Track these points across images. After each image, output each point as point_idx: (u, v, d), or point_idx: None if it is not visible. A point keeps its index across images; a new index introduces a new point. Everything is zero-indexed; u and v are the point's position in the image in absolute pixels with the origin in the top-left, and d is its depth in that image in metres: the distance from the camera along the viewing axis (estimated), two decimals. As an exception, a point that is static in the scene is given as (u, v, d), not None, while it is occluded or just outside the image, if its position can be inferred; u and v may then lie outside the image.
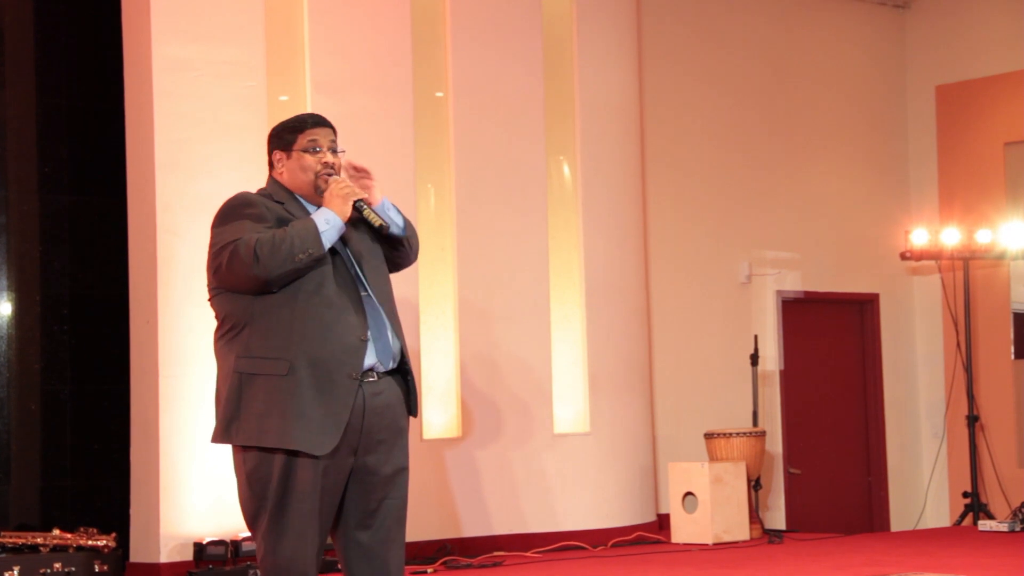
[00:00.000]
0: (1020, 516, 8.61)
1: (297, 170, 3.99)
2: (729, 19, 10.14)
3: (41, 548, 6.76)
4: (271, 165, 4.08)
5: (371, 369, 3.83)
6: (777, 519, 9.81)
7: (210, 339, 6.95)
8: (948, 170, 10.66)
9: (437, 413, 7.87)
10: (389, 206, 3.98)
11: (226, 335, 3.92)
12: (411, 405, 3.98)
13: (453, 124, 8.04)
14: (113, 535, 6.89)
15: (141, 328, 7.16)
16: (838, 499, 10.41)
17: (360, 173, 3.95)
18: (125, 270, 7.33)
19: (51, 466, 7.43)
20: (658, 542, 8.31)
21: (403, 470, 3.96)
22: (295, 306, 3.77)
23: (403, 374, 3.94)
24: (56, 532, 6.83)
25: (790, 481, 10.05)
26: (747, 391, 9.30)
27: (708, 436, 8.72)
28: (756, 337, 9.36)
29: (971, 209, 10.29)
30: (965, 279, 10.01)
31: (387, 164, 7.71)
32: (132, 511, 7.16)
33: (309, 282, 3.78)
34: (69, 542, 6.78)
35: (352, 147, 7.83)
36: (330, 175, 3.94)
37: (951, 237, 9.91)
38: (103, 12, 7.52)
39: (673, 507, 8.35)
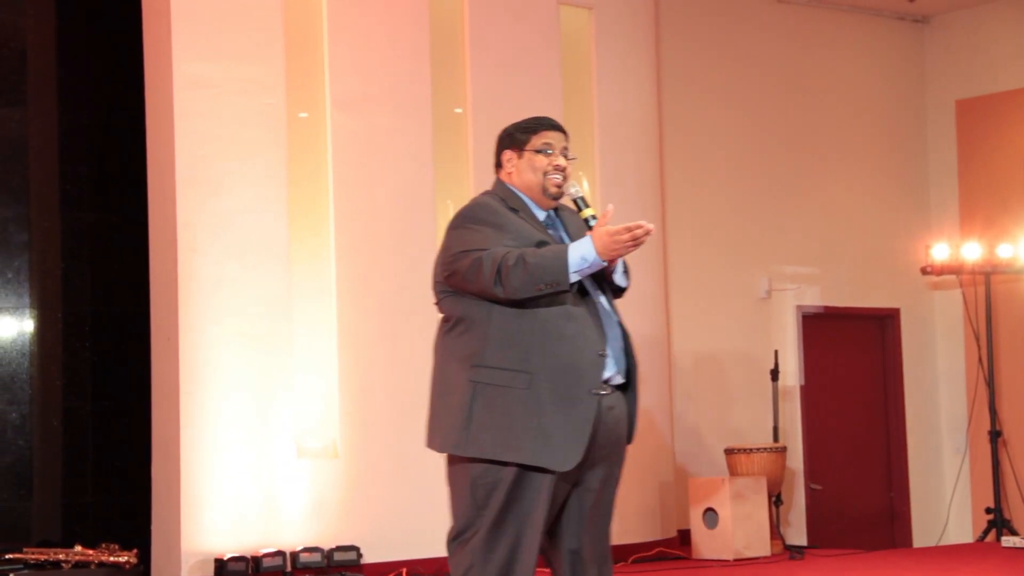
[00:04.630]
0: (1043, 532, 8.57)
1: (527, 170, 3.97)
2: (747, 36, 10.14)
3: (63, 564, 6.78)
4: (499, 165, 4.07)
5: (606, 381, 3.80)
6: (798, 535, 9.77)
7: (229, 355, 7.07)
8: (969, 184, 10.64)
9: (457, 429, 7.86)
10: (621, 270, 3.97)
11: (454, 330, 3.86)
12: (630, 430, 3.95)
13: (472, 140, 8.06)
14: (134, 551, 6.91)
15: (162, 345, 7.19)
16: (859, 515, 10.36)
17: (634, 239, 3.72)
18: (146, 287, 7.36)
19: (73, 482, 7.46)
20: (679, 558, 8.28)
21: (617, 487, 3.94)
22: (536, 318, 3.72)
23: (627, 392, 3.90)
24: (78, 548, 6.86)
25: (811, 497, 10.01)
26: (767, 406, 9.27)
27: (728, 452, 8.70)
28: (776, 352, 9.34)
29: (992, 223, 10.25)
30: (987, 294, 9.97)
31: (406, 180, 7.75)
32: (153, 527, 7.18)
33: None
34: (91, 558, 6.80)
35: (371, 163, 7.91)
36: (561, 177, 3.93)
37: (972, 251, 9.88)
38: (124, 31, 7.57)
39: (694, 523, 8.33)
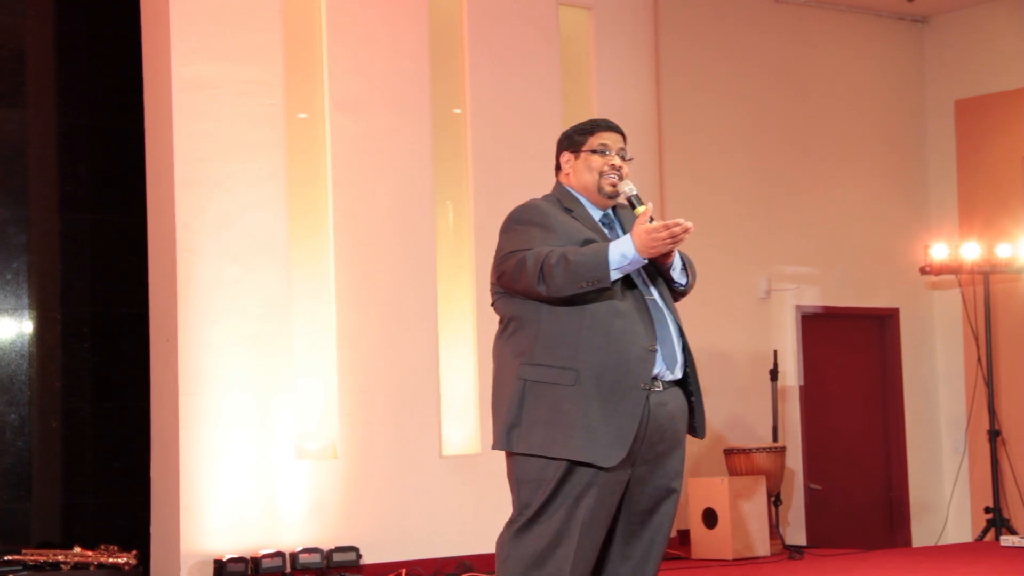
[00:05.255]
0: (1042, 531, 8.57)
1: (583, 170, 4.01)
2: (747, 35, 10.14)
3: (62, 566, 6.79)
4: (558, 168, 4.10)
5: (656, 377, 3.79)
6: (797, 535, 9.78)
7: (228, 356, 7.07)
8: (968, 184, 10.64)
9: (456, 429, 7.87)
10: (680, 267, 3.94)
11: (507, 330, 3.89)
12: (696, 425, 3.94)
13: (471, 141, 8.06)
14: (134, 552, 6.91)
15: (161, 346, 7.19)
16: (859, 515, 10.37)
17: (671, 236, 3.76)
18: (145, 288, 7.37)
19: (72, 484, 7.46)
20: (678, 558, 8.28)
21: (678, 484, 3.91)
22: (583, 315, 3.74)
23: (686, 388, 3.89)
24: (77, 550, 6.86)
25: (810, 497, 10.01)
26: (767, 406, 9.28)
27: (728, 452, 8.70)
28: (775, 352, 9.34)
29: (991, 223, 10.26)
30: (985, 293, 9.97)
31: (405, 181, 7.75)
32: (152, 528, 7.18)
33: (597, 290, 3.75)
34: (90, 560, 6.81)
35: (370, 164, 7.90)
36: (616, 176, 3.96)
37: (971, 251, 9.88)
38: (123, 32, 7.58)
39: (693, 523, 8.33)
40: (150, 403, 7.28)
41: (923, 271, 10.12)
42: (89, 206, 7.62)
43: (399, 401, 7.56)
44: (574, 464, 3.71)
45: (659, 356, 3.79)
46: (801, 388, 10.04)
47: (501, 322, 3.95)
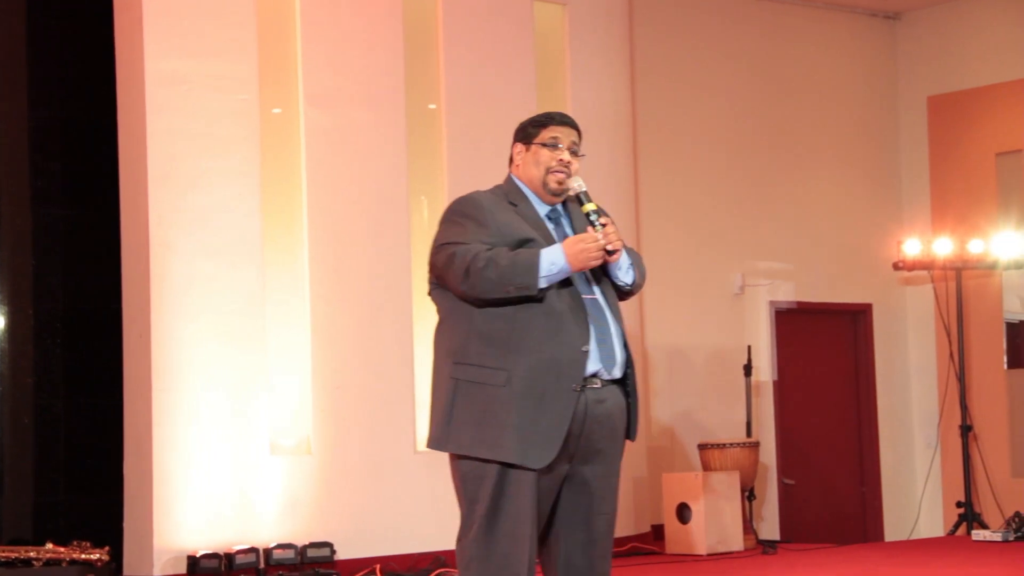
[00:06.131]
0: (1013, 526, 8.62)
1: (531, 164, 3.93)
2: (721, 31, 10.16)
3: (34, 562, 6.75)
4: (511, 160, 4.03)
5: (595, 375, 3.75)
6: (771, 529, 9.81)
7: (202, 352, 7.06)
8: (940, 180, 10.69)
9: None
10: (627, 266, 3.90)
11: (443, 325, 3.88)
12: (630, 428, 3.88)
13: (446, 136, 8.05)
14: (107, 549, 6.88)
15: (134, 342, 7.16)
16: (832, 509, 10.41)
17: (600, 248, 3.77)
18: (118, 284, 7.33)
19: (44, 480, 7.43)
20: (652, 553, 8.31)
21: (616, 482, 3.88)
22: (516, 315, 3.70)
23: (625, 389, 3.85)
24: (49, 546, 6.82)
25: (784, 491, 10.05)
26: (740, 402, 9.30)
27: (702, 447, 8.72)
28: (749, 348, 9.36)
29: (963, 219, 10.31)
30: (958, 289, 10.02)
31: (380, 176, 7.74)
32: (125, 525, 7.15)
33: None
34: (62, 556, 6.77)
35: (344, 159, 7.88)
36: (564, 173, 3.88)
37: (943, 247, 9.93)
38: (96, 26, 7.53)
39: (667, 518, 8.35)
40: (123, 399, 7.24)
41: (896, 267, 10.17)
42: (61, 201, 7.57)
43: (373, 397, 7.55)
44: (505, 466, 3.69)
45: (596, 355, 3.75)
46: (775, 383, 10.08)
47: (438, 314, 3.93)
